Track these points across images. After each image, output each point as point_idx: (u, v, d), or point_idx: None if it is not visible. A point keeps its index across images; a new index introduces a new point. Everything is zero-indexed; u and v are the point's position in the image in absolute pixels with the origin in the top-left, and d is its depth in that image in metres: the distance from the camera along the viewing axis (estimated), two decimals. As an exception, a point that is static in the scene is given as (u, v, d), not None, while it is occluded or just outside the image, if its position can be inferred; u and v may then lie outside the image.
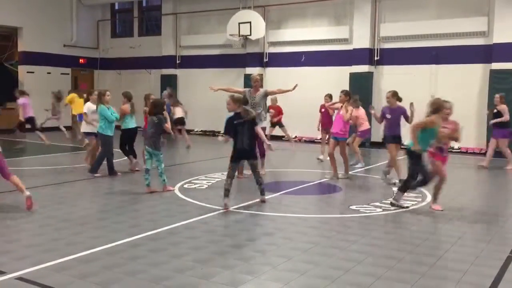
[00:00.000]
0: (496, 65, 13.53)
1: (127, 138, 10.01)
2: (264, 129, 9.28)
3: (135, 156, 10.04)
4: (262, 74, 17.56)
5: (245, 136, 6.91)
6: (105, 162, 9.34)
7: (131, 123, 10.02)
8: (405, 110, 8.75)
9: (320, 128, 12.27)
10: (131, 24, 21.39)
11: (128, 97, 9.93)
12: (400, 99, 8.94)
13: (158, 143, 7.97)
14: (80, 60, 20.97)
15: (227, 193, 6.80)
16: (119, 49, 21.20)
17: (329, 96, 12.06)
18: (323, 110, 12.21)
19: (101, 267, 4.53)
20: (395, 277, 4.38)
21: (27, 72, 19.02)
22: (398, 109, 8.85)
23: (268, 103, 15.26)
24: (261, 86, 9.66)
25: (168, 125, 8.24)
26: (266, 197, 7.36)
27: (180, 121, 14.23)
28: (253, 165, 7.10)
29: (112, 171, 9.30)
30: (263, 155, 9.47)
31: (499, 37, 13.48)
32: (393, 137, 8.89)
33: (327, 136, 11.74)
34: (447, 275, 4.47)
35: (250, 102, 9.31)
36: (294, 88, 9.70)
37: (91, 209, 6.79)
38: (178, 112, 14.33)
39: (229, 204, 6.77)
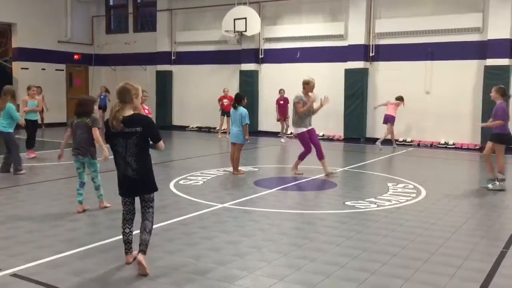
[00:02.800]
0: (491, 61, 13.58)
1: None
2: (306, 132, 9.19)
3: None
4: (257, 71, 17.58)
5: (130, 155, 4.32)
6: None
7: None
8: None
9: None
10: (126, 20, 21.30)
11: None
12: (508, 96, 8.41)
13: (94, 150, 6.52)
14: (75, 56, 20.88)
15: (126, 243, 4.56)
16: (114, 45, 21.12)
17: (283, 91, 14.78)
18: (281, 102, 15.29)
19: (96, 263, 4.53)
20: (389, 272, 4.40)
21: (22, 68, 18.93)
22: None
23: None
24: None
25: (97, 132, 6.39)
26: (262, 193, 7.35)
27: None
28: (144, 201, 4.54)
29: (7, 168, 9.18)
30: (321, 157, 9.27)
31: (493, 33, 13.52)
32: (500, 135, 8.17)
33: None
34: (441, 270, 4.49)
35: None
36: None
37: (87, 205, 6.77)
38: None
39: (138, 257, 4.34)
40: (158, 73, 19.72)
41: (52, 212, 6.38)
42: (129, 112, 4.26)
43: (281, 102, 15.46)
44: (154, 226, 5.70)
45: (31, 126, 11.20)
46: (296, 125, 9.29)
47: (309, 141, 9.22)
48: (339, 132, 15.98)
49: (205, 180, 8.73)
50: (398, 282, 4.19)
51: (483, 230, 5.85)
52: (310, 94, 9.30)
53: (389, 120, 13.48)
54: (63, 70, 20.45)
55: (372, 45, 15.53)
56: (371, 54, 15.54)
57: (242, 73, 17.70)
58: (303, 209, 6.87)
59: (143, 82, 20.33)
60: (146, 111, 9.56)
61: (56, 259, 4.62)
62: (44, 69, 19.48)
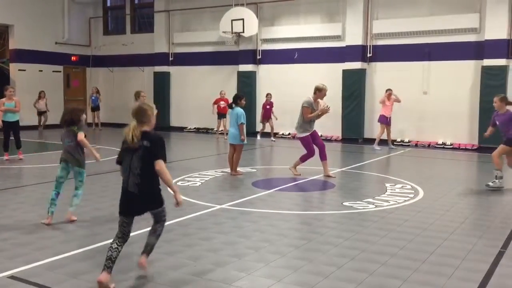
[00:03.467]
0: (488, 62, 13.62)
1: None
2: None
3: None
4: (255, 72, 17.59)
5: (135, 170, 4.11)
6: None
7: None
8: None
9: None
10: (123, 21, 21.29)
11: None
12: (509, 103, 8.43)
13: (83, 158, 6.37)
14: (72, 58, 20.87)
15: (108, 263, 4.08)
16: (111, 46, 21.12)
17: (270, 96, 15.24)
18: (267, 107, 15.63)
19: (94, 265, 4.52)
20: (387, 273, 4.41)
21: (19, 70, 18.91)
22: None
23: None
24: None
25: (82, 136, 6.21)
26: (259, 194, 7.36)
27: None
28: (155, 216, 4.46)
29: None
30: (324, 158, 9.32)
31: (490, 33, 13.56)
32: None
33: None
34: (439, 270, 4.50)
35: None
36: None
37: (85, 207, 6.76)
38: None
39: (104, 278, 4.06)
40: (156, 74, 19.72)
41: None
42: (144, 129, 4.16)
43: (267, 106, 15.81)
44: (149, 228, 5.72)
45: (10, 128, 10.87)
46: (299, 129, 9.27)
47: (312, 143, 9.22)
48: (337, 132, 16.00)
49: (203, 181, 8.72)
50: (396, 282, 4.20)
51: (481, 230, 5.86)
52: (319, 100, 9.26)
53: (381, 120, 13.76)
54: (60, 71, 20.43)
55: (370, 45, 15.56)
56: (368, 55, 15.57)
57: (240, 74, 17.71)
58: (301, 209, 6.87)
59: (140, 84, 20.35)
60: None
61: (54, 261, 4.61)
62: (41, 70, 19.47)
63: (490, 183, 8.28)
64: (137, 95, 10.40)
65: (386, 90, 13.87)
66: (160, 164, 4.07)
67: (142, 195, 4.13)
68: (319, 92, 9.23)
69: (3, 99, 10.89)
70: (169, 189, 4.17)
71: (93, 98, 19.40)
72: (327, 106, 9.13)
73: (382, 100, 13.85)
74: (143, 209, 4.27)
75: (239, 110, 9.14)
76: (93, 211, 6.56)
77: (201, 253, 4.87)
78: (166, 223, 5.87)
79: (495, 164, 8.32)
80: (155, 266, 4.52)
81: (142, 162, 4.08)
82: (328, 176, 9.22)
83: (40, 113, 18.39)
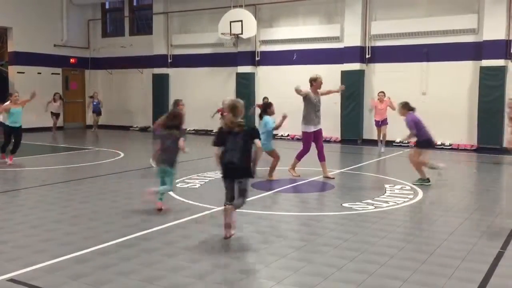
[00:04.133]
0: (486, 62, 13.63)
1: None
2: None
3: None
4: (254, 73, 17.59)
5: (236, 150, 5.51)
6: None
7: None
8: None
9: None
10: (122, 24, 21.28)
11: None
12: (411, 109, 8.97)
13: (176, 159, 6.85)
14: (71, 60, 20.84)
15: (225, 214, 5.46)
16: (110, 48, 21.10)
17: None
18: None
19: (93, 267, 4.51)
20: (387, 274, 4.40)
21: (18, 72, 18.88)
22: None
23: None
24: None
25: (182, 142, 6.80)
26: (259, 196, 7.35)
27: None
28: (241, 184, 5.58)
29: None
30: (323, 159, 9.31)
31: (489, 34, 13.57)
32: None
33: None
34: (438, 270, 4.50)
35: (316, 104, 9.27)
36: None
37: (83, 209, 6.76)
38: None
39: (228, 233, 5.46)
40: (155, 76, 19.70)
41: (49, 216, 6.36)
42: (238, 119, 5.58)
43: None
44: (151, 230, 5.73)
45: (13, 133, 10.73)
46: (304, 121, 9.21)
47: (311, 142, 9.22)
48: (336, 133, 15.99)
49: (202, 183, 8.72)
50: (396, 283, 4.20)
51: (480, 231, 5.86)
52: (318, 91, 9.36)
53: (376, 124, 13.64)
54: (59, 74, 20.40)
55: (368, 46, 15.56)
56: (367, 56, 15.57)
57: (239, 76, 17.71)
58: (300, 211, 6.87)
59: (139, 85, 20.36)
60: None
61: (54, 264, 4.60)
62: (40, 73, 19.44)
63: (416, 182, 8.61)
64: (175, 104, 10.24)
65: (378, 93, 13.65)
66: (257, 142, 5.57)
67: (240, 166, 5.50)
68: (315, 82, 9.29)
69: (9, 104, 10.70)
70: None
71: (94, 103, 19.27)
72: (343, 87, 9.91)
73: (373, 105, 13.75)
74: (240, 176, 5.56)
75: (268, 120, 9.08)
76: (92, 214, 6.55)
77: (200, 255, 4.86)
78: (165, 225, 5.90)
79: (425, 166, 8.64)
80: (154, 268, 4.51)
81: (241, 143, 5.50)
82: (327, 177, 9.22)
83: (54, 115, 18.09)
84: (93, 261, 4.67)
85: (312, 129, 9.20)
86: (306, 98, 9.20)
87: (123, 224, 5.98)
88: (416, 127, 8.69)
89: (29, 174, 9.64)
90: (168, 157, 6.69)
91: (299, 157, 9.37)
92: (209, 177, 9.26)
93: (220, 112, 15.85)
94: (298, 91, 9.16)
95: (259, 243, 5.29)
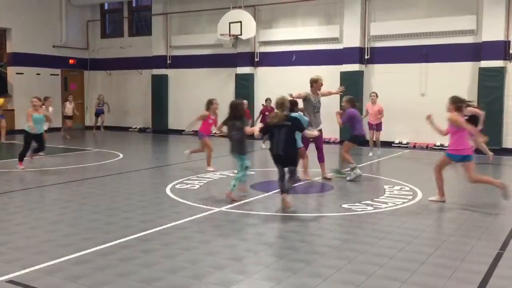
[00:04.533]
0: (485, 63, 13.65)
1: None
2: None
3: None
4: (253, 74, 17.60)
5: (281, 142, 6.60)
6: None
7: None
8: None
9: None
10: (121, 25, 21.29)
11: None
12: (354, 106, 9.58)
13: (244, 148, 7.49)
14: (70, 61, 20.85)
15: (281, 188, 6.81)
16: (109, 49, 21.11)
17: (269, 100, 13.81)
18: (266, 113, 13.52)
19: (92, 268, 4.51)
20: (386, 275, 4.41)
21: (16, 73, 18.88)
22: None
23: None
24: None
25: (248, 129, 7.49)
26: (258, 197, 7.34)
27: None
28: (290, 171, 6.74)
29: None
30: (321, 160, 9.32)
31: (487, 35, 13.59)
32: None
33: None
34: (438, 271, 4.50)
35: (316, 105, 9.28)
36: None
37: (82, 210, 6.76)
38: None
39: (286, 198, 6.71)
40: (154, 77, 19.71)
41: (48, 217, 6.36)
42: (283, 113, 6.75)
43: (267, 113, 14.25)
44: (150, 231, 5.74)
45: (35, 138, 10.27)
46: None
47: (309, 143, 9.20)
48: (335, 134, 16.00)
49: (201, 184, 8.72)
50: (395, 284, 4.20)
51: (480, 232, 5.86)
52: (318, 92, 9.36)
53: (370, 127, 12.84)
54: (58, 74, 20.41)
55: (367, 47, 15.59)
56: (366, 57, 15.59)
57: (238, 77, 17.72)
58: (300, 212, 6.86)
59: (138, 86, 20.37)
60: (211, 121, 10.17)
61: (53, 265, 4.59)
62: (39, 74, 19.44)
63: (348, 178, 9.14)
64: (209, 103, 10.08)
65: (370, 94, 13.10)
66: (305, 132, 6.95)
67: (286, 156, 6.61)
68: (316, 83, 9.30)
69: (30, 110, 10.17)
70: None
71: (100, 105, 19.06)
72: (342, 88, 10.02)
73: (366, 110, 12.97)
74: (286, 165, 6.67)
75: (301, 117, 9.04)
76: (91, 215, 6.54)
77: (199, 256, 4.86)
78: (164, 226, 5.90)
79: (347, 160, 9.27)
80: (153, 269, 4.51)
81: (286, 135, 6.56)
82: (326, 178, 9.22)
83: (67, 118, 17.71)
84: (92, 262, 4.67)
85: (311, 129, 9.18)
86: (306, 99, 9.20)
87: (122, 225, 5.97)
88: (350, 121, 9.35)
89: (28, 175, 9.62)
90: (235, 147, 7.36)
91: (301, 155, 9.30)
92: (208, 178, 9.26)
93: (263, 111, 14.97)
94: (297, 97, 9.03)
95: (258, 244, 5.28)
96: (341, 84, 15.56)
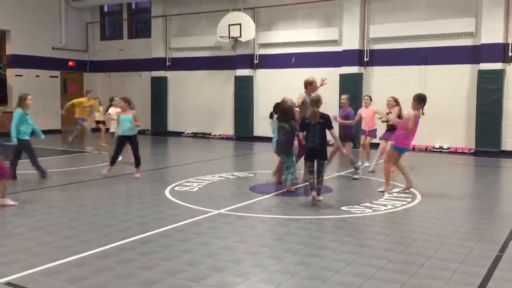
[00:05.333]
0: (484, 66, 13.66)
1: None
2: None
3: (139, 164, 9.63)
4: (252, 76, 17.60)
5: (316, 137, 7.30)
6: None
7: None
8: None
9: None
10: (120, 27, 21.29)
11: (127, 102, 9.69)
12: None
13: (291, 149, 8.21)
14: (69, 63, 20.84)
15: (311, 186, 7.33)
16: (108, 51, 21.11)
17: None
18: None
19: (91, 271, 4.51)
20: (385, 277, 4.41)
21: (16, 75, 18.85)
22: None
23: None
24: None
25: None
26: (257, 199, 7.35)
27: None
28: (320, 165, 7.40)
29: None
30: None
31: (487, 37, 13.60)
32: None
33: None
34: (436, 274, 4.50)
35: None
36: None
37: (81, 212, 6.76)
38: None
39: (316, 195, 7.30)
40: (153, 79, 19.71)
41: (48, 219, 6.35)
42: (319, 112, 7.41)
43: None
44: (149, 233, 5.74)
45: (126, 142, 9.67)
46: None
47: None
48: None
49: (200, 186, 8.71)
50: (394, 287, 4.20)
51: (478, 234, 5.87)
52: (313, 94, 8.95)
53: (362, 133, 11.49)
54: (57, 76, 20.39)
55: (366, 50, 15.59)
56: (365, 59, 15.60)
57: (237, 79, 17.72)
58: (298, 214, 6.86)
59: (138, 89, 20.36)
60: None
61: (52, 267, 4.59)
62: (38, 76, 19.42)
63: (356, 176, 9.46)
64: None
65: (364, 97, 11.95)
66: (332, 132, 7.56)
67: (321, 148, 7.36)
68: (310, 85, 9.26)
69: (119, 112, 9.82)
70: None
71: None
72: (322, 79, 9.90)
73: (359, 114, 11.23)
74: (319, 157, 7.40)
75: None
76: (90, 217, 6.54)
77: (198, 259, 4.86)
78: (163, 228, 5.90)
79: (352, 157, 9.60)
80: (152, 271, 4.50)
81: (320, 131, 7.31)
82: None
83: (98, 122, 15.11)
84: (91, 265, 4.66)
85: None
86: (303, 102, 8.99)
87: (121, 227, 5.97)
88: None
89: (27, 177, 9.61)
90: (281, 148, 8.10)
91: (296, 160, 8.98)
92: (207, 180, 9.26)
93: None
94: (299, 104, 8.84)
95: (257, 247, 5.28)
96: (340, 87, 15.66)
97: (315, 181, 7.31)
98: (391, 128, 9.85)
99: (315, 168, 7.36)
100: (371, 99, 11.57)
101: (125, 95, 10.29)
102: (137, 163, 9.56)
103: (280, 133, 8.18)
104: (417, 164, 12.18)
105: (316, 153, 7.37)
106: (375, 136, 11.18)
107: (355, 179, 9.41)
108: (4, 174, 6.99)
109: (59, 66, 20.34)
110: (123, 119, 9.47)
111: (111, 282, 4.25)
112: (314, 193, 7.27)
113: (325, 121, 7.37)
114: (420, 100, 8.33)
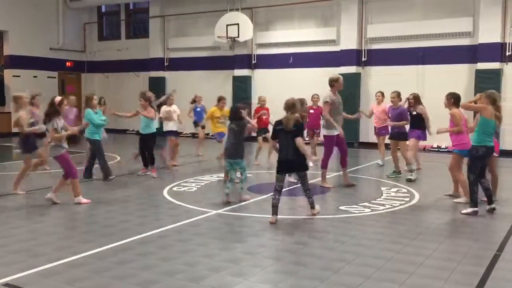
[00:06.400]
0: (481, 65, 13.68)
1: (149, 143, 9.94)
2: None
3: (153, 163, 9.83)
4: (250, 76, 17.60)
5: (290, 146, 6.17)
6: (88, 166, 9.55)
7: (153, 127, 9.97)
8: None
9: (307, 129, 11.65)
10: (118, 27, 21.27)
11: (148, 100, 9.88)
12: None
13: (241, 151, 7.49)
14: (67, 63, 20.81)
15: (274, 210, 6.23)
16: (106, 52, 21.09)
17: (318, 96, 11.76)
18: (311, 111, 11.84)
19: (90, 271, 4.50)
20: (383, 277, 4.41)
21: (13, 76, 18.82)
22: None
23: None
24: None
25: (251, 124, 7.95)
26: (255, 199, 7.35)
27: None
28: (301, 177, 6.42)
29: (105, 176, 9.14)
30: (324, 166, 8.72)
31: (484, 37, 13.62)
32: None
33: (317, 138, 11.90)
34: (435, 273, 4.50)
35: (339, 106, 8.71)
36: None
37: (80, 213, 6.75)
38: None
39: (274, 219, 6.22)
40: (151, 79, 19.70)
41: (46, 220, 6.34)
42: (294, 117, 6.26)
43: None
44: (148, 234, 5.74)
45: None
46: (328, 126, 8.56)
47: (334, 146, 8.70)
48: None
49: (198, 186, 8.71)
50: (393, 286, 4.20)
51: (477, 234, 5.88)
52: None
53: (375, 132, 11.70)
54: (55, 77, 20.36)
55: (364, 50, 15.60)
56: (363, 59, 15.61)
57: (235, 79, 17.72)
58: (297, 214, 6.86)
59: (136, 89, 20.30)
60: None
61: (50, 268, 4.58)
62: (36, 76, 19.38)
63: (411, 177, 9.27)
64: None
65: (376, 94, 11.85)
66: (299, 140, 6.14)
67: (297, 160, 6.23)
68: (337, 82, 8.59)
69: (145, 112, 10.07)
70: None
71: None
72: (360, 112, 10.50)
73: (371, 110, 11.60)
74: (297, 169, 6.47)
75: None
76: (88, 217, 6.53)
77: (197, 259, 4.86)
78: (162, 229, 5.89)
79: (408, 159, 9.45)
80: (150, 272, 4.50)
81: (293, 140, 6.15)
82: (348, 185, 8.76)
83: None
84: (90, 265, 4.66)
85: (335, 132, 8.59)
86: (330, 103, 8.53)
87: (119, 228, 5.96)
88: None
89: (24, 177, 9.58)
90: (230, 151, 7.54)
91: (324, 165, 8.70)
92: (206, 180, 9.26)
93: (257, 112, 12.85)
94: (326, 108, 8.50)
95: (255, 247, 5.28)
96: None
97: (308, 197, 6.44)
98: (414, 126, 9.97)
99: (284, 184, 6.41)
100: (383, 95, 11.46)
101: (145, 92, 10.85)
102: (149, 162, 9.89)
103: (229, 136, 7.43)
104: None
105: (291, 165, 6.34)
106: (386, 134, 11.04)
107: (409, 180, 9.16)
108: (74, 174, 7.19)
109: (57, 67, 20.31)
110: (143, 118, 9.99)
111: (110, 283, 4.25)
112: (274, 218, 6.19)
113: (297, 129, 6.21)
114: (456, 100, 8.64)
